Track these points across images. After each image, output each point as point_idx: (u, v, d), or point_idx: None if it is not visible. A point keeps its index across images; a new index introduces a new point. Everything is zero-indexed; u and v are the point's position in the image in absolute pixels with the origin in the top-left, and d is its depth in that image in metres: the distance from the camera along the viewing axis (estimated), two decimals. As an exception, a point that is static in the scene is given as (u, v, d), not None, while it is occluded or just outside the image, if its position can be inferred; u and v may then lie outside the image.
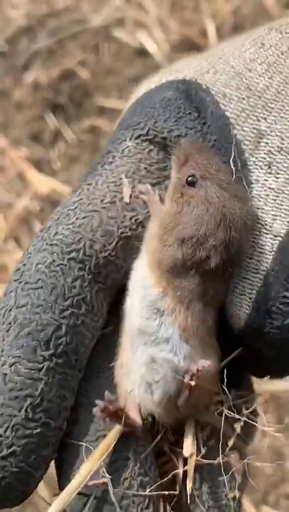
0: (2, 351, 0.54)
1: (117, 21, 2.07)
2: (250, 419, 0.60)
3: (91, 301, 0.57)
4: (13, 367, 0.53)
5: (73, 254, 0.57)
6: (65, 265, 0.57)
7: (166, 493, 0.57)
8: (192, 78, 0.64)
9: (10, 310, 0.55)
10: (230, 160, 0.59)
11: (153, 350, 0.57)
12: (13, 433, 0.52)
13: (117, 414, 0.55)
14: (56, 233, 0.58)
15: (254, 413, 0.61)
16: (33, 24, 2.10)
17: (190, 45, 2.02)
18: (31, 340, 0.53)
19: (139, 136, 0.63)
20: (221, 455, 0.57)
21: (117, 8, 2.09)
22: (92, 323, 0.57)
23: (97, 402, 0.55)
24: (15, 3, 2.14)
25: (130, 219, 0.60)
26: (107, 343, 0.60)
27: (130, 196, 0.60)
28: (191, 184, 0.57)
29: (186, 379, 0.55)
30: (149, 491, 0.56)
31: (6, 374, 0.53)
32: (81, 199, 0.60)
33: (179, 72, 0.66)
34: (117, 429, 0.56)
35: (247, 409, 0.60)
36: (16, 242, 1.86)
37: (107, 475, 0.54)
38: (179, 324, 0.56)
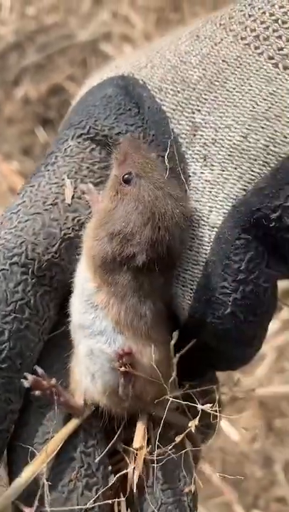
0: None
1: (104, 36, 2.11)
2: (208, 411, 0.59)
3: (35, 304, 0.58)
4: None
5: (15, 259, 0.58)
6: (7, 270, 0.57)
7: (110, 501, 0.58)
8: (130, 74, 0.65)
9: None
10: (166, 155, 0.60)
11: (91, 343, 0.58)
12: None
13: (51, 391, 0.57)
14: None
15: (216, 404, 0.60)
16: (22, 40, 2.14)
17: (175, 58, 2.06)
18: None
19: (81, 135, 0.63)
20: (169, 450, 0.58)
21: (104, 23, 2.13)
22: (38, 327, 0.58)
23: (26, 374, 0.56)
24: (4, 20, 2.18)
25: (73, 220, 0.60)
26: (58, 344, 0.61)
27: (72, 197, 0.61)
28: (127, 182, 0.57)
29: (116, 365, 0.56)
30: (96, 492, 0.57)
31: None
32: (24, 201, 0.61)
33: (118, 68, 0.67)
34: (63, 432, 0.58)
35: (206, 401, 0.60)
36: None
37: (45, 481, 0.56)
38: (112, 317, 0.57)
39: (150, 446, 0.59)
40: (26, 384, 0.56)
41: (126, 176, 0.57)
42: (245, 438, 1.61)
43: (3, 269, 0.57)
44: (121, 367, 0.56)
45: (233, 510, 1.56)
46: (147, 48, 0.69)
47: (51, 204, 0.60)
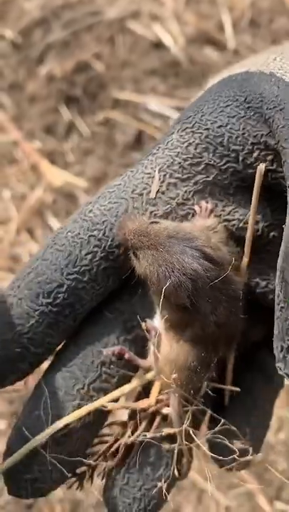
0: (19, 287, 0.67)
1: (133, 14, 2.06)
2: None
3: (96, 273, 0.67)
4: (18, 301, 0.66)
5: (95, 233, 0.67)
6: (85, 240, 0.67)
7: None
8: (256, 70, 0.65)
9: (37, 259, 0.68)
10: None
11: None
12: None
13: (126, 359, 0.68)
14: (91, 211, 0.68)
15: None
16: (48, 16, 2.09)
17: (206, 39, 2.01)
18: (38, 288, 0.66)
19: (186, 128, 0.67)
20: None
21: (132, 1, 2.08)
22: (93, 290, 0.67)
23: (102, 351, 0.68)
24: (29, -5, 2.13)
25: (150, 213, 0.67)
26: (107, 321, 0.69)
27: (157, 191, 0.67)
28: (136, 256, 0.65)
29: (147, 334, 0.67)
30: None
31: (12, 303, 0.66)
32: (120, 184, 0.68)
33: (244, 66, 0.67)
34: (114, 393, 0.67)
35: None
36: (29, 233, 1.85)
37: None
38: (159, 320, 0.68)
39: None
40: (105, 352, 0.68)
41: (133, 255, 0.65)
42: (270, 428, 1.57)
43: (83, 238, 0.67)
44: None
45: (255, 501, 1.53)
46: (276, 48, 0.69)
47: (138, 194, 0.67)
